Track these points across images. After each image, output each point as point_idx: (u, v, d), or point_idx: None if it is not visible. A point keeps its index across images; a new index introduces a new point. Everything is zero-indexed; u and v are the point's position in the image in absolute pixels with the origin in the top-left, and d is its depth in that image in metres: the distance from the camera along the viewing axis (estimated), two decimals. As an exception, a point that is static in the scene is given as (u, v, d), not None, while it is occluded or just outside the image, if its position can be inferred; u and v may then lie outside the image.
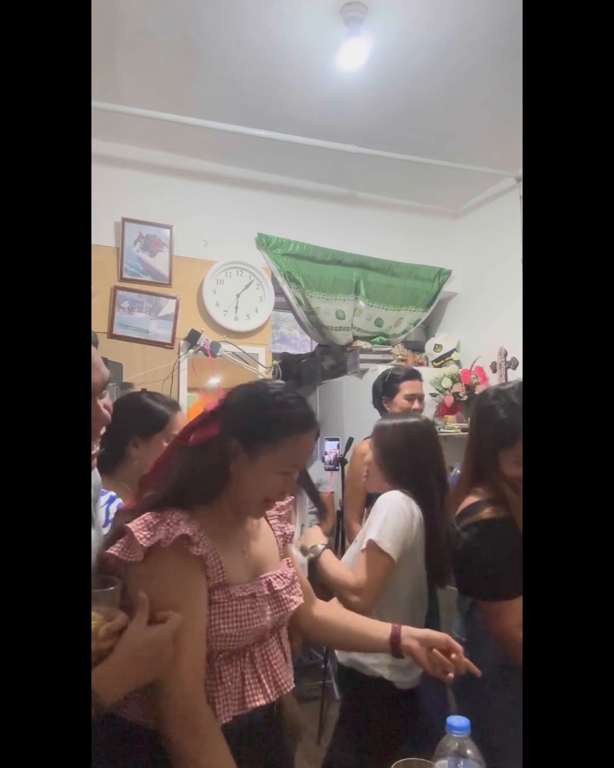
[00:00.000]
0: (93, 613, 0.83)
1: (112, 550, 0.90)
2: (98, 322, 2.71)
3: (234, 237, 3.14)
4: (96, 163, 2.60)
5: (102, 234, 2.78)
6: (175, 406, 1.49)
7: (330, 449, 2.69)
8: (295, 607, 1.07)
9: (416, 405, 2.45)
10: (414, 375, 2.53)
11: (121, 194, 2.88)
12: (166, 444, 1.39)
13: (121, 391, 2.28)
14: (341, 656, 1.53)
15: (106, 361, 2.78)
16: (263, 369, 3.10)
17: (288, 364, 3.83)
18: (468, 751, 0.81)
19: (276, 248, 3.21)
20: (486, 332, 3.41)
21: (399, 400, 2.44)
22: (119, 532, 0.94)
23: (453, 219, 3.76)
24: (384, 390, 2.50)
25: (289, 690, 1.02)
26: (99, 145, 2.76)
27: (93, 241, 2.57)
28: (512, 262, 3.09)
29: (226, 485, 0.99)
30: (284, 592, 1.05)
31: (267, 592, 1.01)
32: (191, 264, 3.01)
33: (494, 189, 3.42)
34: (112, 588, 0.88)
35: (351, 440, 2.52)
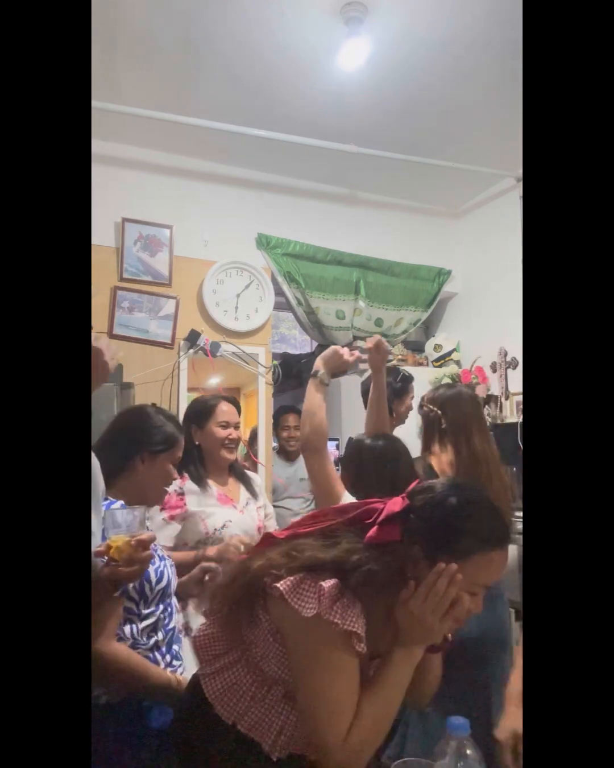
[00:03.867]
0: (117, 535, 1.00)
1: (284, 586, 0.88)
2: (98, 322, 2.71)
3: (234, 237, 3.14)
4: (96, 163, 2.59)
5: (102, 234, 2.78)
6: (205, 412, 1.64)
7: (329, 449, 2.70)
8: None
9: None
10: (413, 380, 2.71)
11: (121, 194, 2.88)
12: (170, 465, 1.40)
13: (122, 392, 2.28)
14: None
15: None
16: (263, 369, 3.10)
17: (288, 364, 3.83)
18: (468, 751, 0.81)
19: (276, 248, 3.21)
20: (486, 332, 3.41)
21: (408, 401, 2.57)
22: (297, 570, 0.91)
23: (453, 219, 3.76)
24: (400, 390, 2.59)
25: None
26: (99, 145, 2.76)
27: (93, 241, 2.57)
28: (512, 262, 3.08)
29: (399, 591, 0.91)
30: None
31: None
32: (191, 264, 3.01)
33: (494, 189, 3.42)
34: (133, 511, 1.04)
35: (351, 439, 2.54)
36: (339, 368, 1.69)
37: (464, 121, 2.80)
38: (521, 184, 3.17)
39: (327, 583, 0.87)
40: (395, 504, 0.94)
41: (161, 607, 1.31)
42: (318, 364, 1.63)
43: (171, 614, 1.34)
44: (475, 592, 0.90)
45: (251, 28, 2.17)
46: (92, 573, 0.97)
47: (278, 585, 0.89)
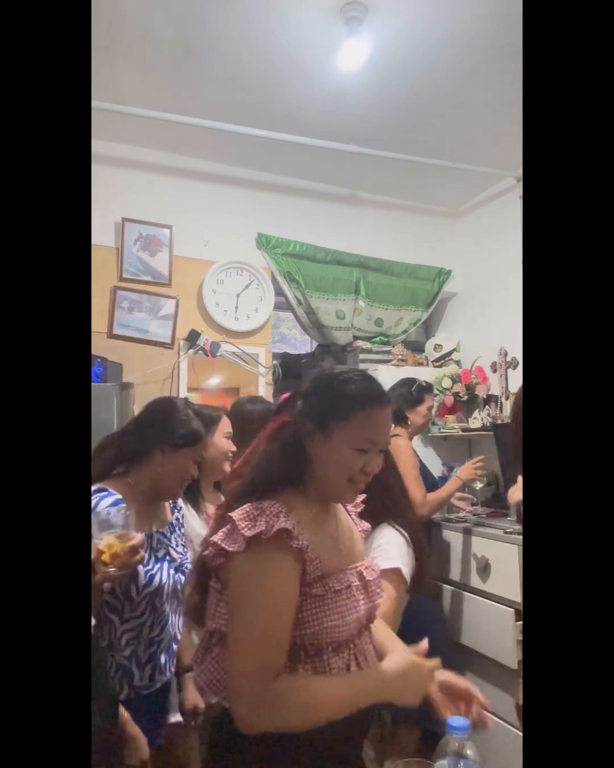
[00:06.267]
0: (109, 538, 0.91)
1: (215, 538, 0.92)
2: (98, 322, 2.71)
3: (234, 237, 3.14)
4: (96, 163, 2.59)
5: (102, 234, 2.78)
6: (211, 421, 1.51)
7: None
8: (381, 600, 1.08)
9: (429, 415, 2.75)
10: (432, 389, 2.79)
11: (121, 194, 2.88)
12: (190, 462, 1.37)
13: (121, 392, 2.28)
14: None
15: (105, 360, 2.71)
16: (263, 369, 3.10)
17: (288, 364, 3.82)
18: (468, 752, 0.81)
19: (276, 248, 3.21)
20: (486, 332, 3.41)
21: (423, 410, 2.65)
22: (220, 520, 0.96)
23: (453, 219, 3.76)
24: (415, 400, 2.65)
25: None
26: (99, 145, 2.76)
27: (93, 241, 2.57)
28: (512, 262, 3.09)
29: (307, 468, 1.00)
30: (373, 583, 1.06)
31: (359, 583, 1.02)
32: (191, 264, 3.01)
33: (494, 189, 3.42)
34: (125, 511, 0.96)
35: None
36: None
37: (464, 121, 2.79)
38: (521, 184, 3.17)
39: (238, 512, 0.92)
40: (285, 396, 1.07)
41: (148, 613, 1.24)
42: None
43: (162, 624, 1.28)
44: (366, 448, 0.97)
45: (251, 28, 2.17)
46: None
47: (213, 538, 0.92)
